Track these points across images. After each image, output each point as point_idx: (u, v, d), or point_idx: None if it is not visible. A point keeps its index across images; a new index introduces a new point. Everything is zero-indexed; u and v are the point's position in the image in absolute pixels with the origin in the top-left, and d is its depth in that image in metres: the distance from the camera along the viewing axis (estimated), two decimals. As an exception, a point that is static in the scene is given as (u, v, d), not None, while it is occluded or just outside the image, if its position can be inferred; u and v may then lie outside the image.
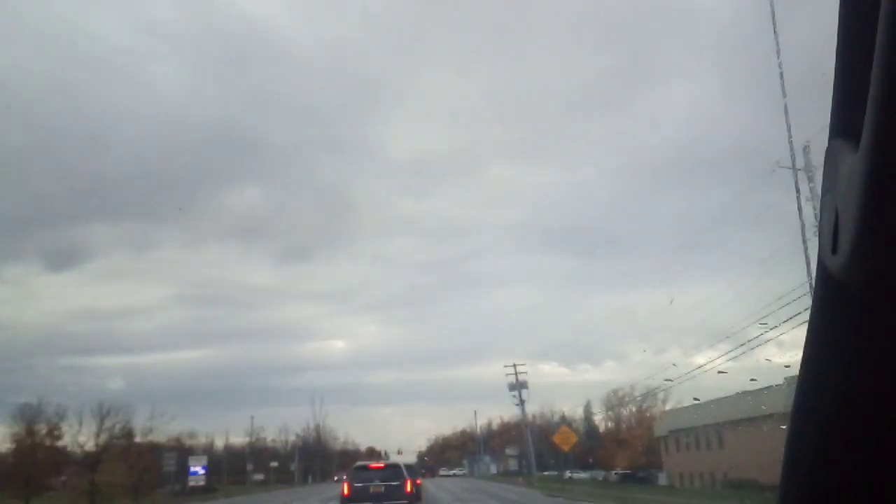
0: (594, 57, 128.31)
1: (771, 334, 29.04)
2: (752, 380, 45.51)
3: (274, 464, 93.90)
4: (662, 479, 65.65)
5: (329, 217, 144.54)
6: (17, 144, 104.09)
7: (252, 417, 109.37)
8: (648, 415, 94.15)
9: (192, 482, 76.91)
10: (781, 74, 20.47)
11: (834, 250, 0.81)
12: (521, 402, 67.08)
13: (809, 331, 0.95)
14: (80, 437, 45.41)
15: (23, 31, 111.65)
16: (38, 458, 43.15)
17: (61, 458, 47.01)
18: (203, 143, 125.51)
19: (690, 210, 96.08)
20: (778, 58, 20.55)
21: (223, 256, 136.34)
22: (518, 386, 66.74)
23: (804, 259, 19.81)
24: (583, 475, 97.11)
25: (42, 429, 45.39)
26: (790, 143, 21.05)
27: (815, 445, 0.95)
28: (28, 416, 45.12)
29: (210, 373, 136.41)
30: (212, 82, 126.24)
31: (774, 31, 21.23)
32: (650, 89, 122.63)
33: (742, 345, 34.20)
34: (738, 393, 44.05)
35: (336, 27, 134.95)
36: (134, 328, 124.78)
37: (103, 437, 45.97)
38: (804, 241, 19.90)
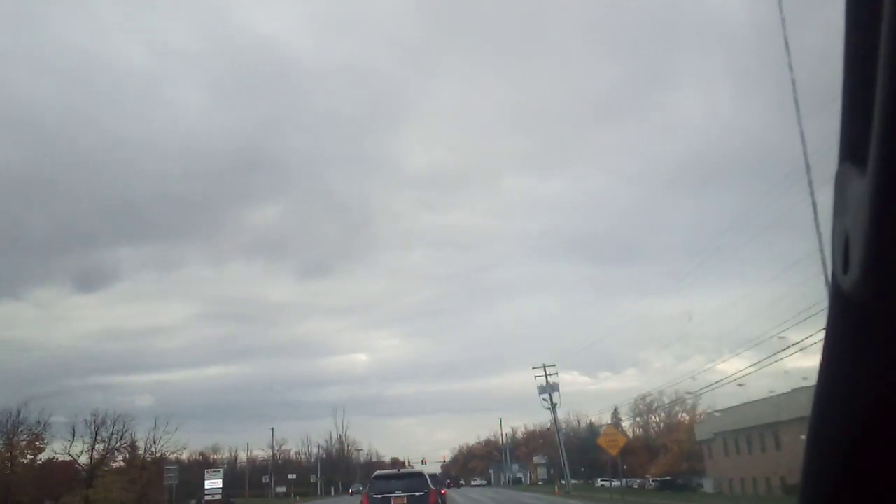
0: (607, 66, 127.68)
1: (790, 344, 28.86)
2: (770, 392, 43.05)
3: (292, 476, 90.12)
4: (708, 486, 60.65)
5: (347, 232, 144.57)
6: (45, 172, 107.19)
7: (273, 429, 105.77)
8: (681, 419, 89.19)
9: (207, 496, 73.82)
10: (795, 93, 20.52)
11: (845, 270, 0.84)
12: (553, 406, 62.69)
13: (825, 346, 1.00)
14: (73, 449, 41.74)
15: (47, 64, 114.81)
16: (18, 472, 39.55)
17: (50, 473, 43.14)
18: (223, 163, 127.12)
19: (706, 217, 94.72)
20: (791, 73, 20.58)
21: (245, 274, 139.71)
22: (549, 388, 62.40)
23: (822, 268, 19.47)
24: (615, 483, 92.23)
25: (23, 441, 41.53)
26: (805, 157, 20.95)
27: (832, 457, 0.99)
28: (7, 428, 41.17)
29: (235, 388, 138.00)
30: (231, 104, 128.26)
31: (786, 48, 21.16)
32: (663, 98, 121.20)
33: (767, 357, 34.01)
34: (795, 389, 40.10)
35: (350, 45, 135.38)
36: (160, 346, 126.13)
37: (100, 450, 42.29)
38: (821, 251, 19.38)
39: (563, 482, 67.92)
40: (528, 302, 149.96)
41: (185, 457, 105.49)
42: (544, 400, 62.80)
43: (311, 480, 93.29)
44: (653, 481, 78.94)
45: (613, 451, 37.35)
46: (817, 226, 19.84)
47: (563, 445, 63.69)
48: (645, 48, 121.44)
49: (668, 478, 76.95)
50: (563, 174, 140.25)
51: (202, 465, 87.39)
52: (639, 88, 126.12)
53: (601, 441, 38.77)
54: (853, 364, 0.92)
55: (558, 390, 62.64)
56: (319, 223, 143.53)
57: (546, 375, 62.80)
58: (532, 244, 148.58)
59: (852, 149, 0.88)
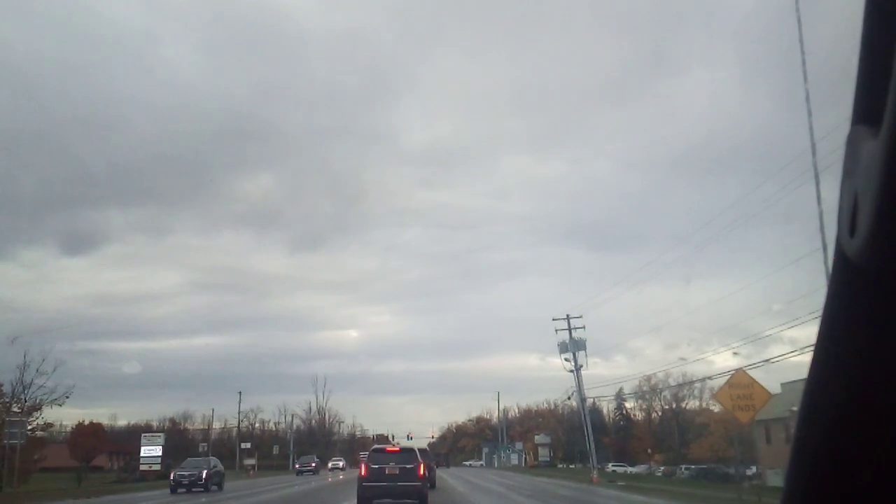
0: (612, 47, 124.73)
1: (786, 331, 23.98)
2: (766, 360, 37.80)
3: (246, 445, 77.86)
4: (774, 479, 47.24)
5: (342, 206, 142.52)
6: (34, 129, 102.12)
7: (240, 393, 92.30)
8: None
9: (143, 465, 62.16)
10: (804, 60, 20.15)
11: (852, 233, 0.82)
12: (577, 367, 48.81)
13: (825, 312, 0.95)
14: None
15: (39, 16, 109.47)
16: None
17: None
18: (217, 129, 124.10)
19: (708, 204, 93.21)
20: (801, 43, 20.29)
21: (237, 244, 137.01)
22: (573, 346, 48.63)
23: (822, 254, 18.89)
24: (631, 469, 79.68)
25: None
26: (811, 129, 20.19)
27: (827, 427, 0.94)
28: None
29: (221, 359, 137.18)
30: (226, 69, 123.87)
31: (798, 17, 20.66)
32: (669, 80, 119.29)
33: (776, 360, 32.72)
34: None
35: (351, 15, 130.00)
36: (148, 313, 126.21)
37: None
38: (822, 232, 19.12)
39: (586, 465, 54.22)
40: (523, 284, 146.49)
41: (154, 423, 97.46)
42: (566, 360, 49.00)
43: (274, 452, 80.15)
44: (685, 469, 65.98)
45: (745, 417, 22.78)
46: (819, 203, 19.27)
47: (588, 420, 49.83)
48: (651, 28, 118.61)
49: (704, 466, 64.19)
50: (564, 156, 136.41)
51: (172, 433, 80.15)
52: (644, 70, 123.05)
53: (721, 398, 23.14)
54: (854, 330, 0.87)
55: (584, 348, 48.82)
56: (313, 195, 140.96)
57: (570, 330, 49.02)
58: (529, 226, 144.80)
59: (866, 110, 0.85)
